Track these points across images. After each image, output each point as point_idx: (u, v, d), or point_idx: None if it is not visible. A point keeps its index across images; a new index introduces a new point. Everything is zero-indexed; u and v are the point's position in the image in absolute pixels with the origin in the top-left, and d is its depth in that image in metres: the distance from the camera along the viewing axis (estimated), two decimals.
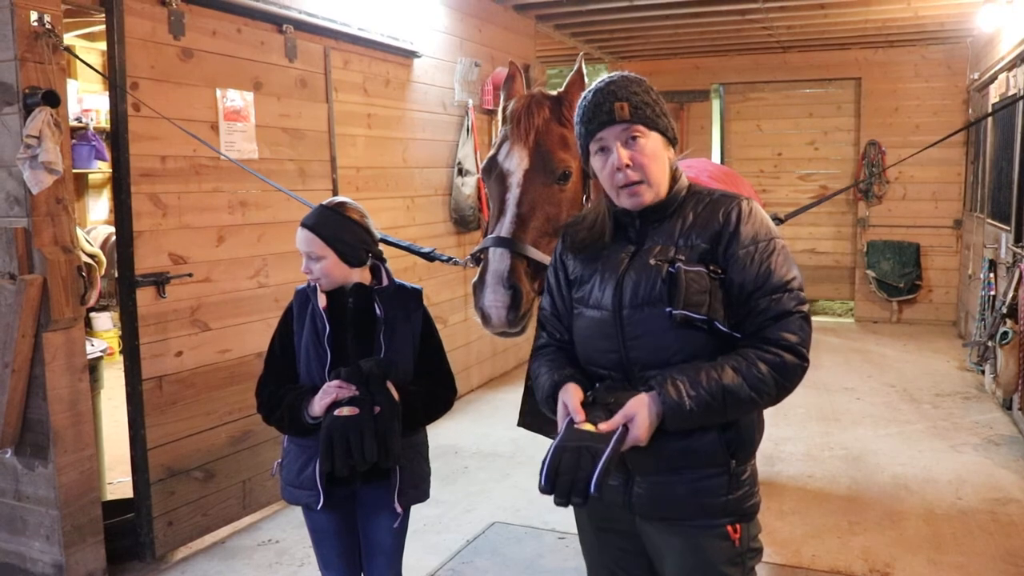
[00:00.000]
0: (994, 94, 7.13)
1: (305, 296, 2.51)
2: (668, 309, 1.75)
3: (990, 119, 7.28)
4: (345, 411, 2.26)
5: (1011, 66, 6.28)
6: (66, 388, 3.35)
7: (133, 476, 3.73)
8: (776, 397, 1.76)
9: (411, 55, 5.64)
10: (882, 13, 7.39)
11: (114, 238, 3.90)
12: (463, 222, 6.29)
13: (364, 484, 2.47)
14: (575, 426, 1.72)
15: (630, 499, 1.86)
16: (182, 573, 3.76)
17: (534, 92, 2.60)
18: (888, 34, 8.48)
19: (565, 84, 2.60)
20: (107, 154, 7.05)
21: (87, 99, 7.26)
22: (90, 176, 7.72)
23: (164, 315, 3.77)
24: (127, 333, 3.69)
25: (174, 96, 3.79)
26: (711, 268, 1.78)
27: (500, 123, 2.67)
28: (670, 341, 1.77)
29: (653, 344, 1.79)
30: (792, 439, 5.42)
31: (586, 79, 2.45)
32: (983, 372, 6.49)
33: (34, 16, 3.16)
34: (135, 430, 3.70)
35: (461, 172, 6.23)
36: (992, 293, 6.27)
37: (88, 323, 7.17)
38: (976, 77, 8.14)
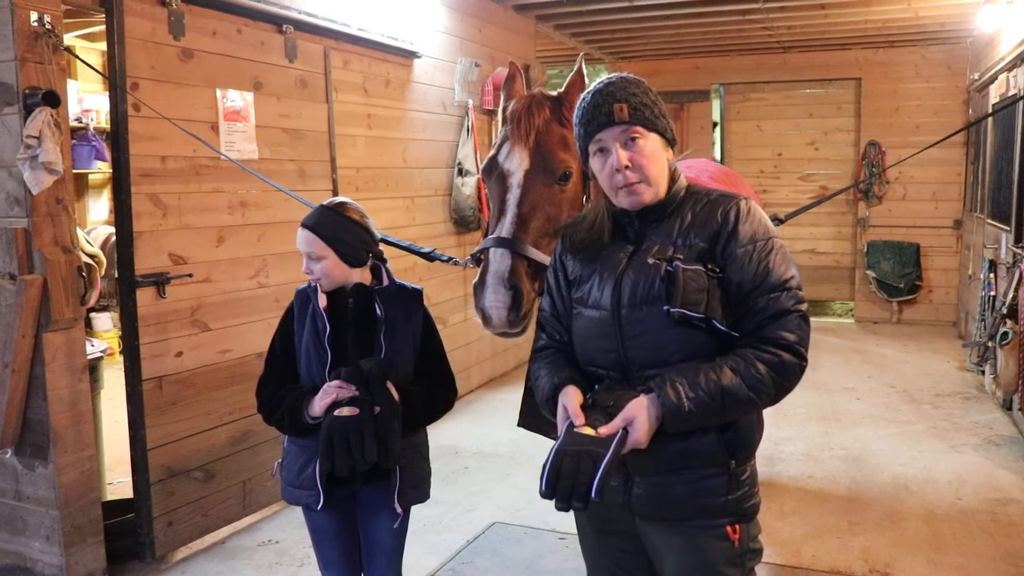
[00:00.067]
0: (994, 94, 7.13)
1: (306, 296, 2.51)
2: (666, 307, 1.75)
3: (990, 119, 7.28)
4: (345, 411, 2.26)
5: (1011, 66, 6.28)
6: (66, 388, 3.35)
7: (133, 476, 3.73)
8: (775, 397, 1.76)
9: (411, 55, 5.64)
10: (882, 13, 7.39)
11: (114, 238, 3.90)
12: (463, 222, 6.29)
13: (364, 484, 2.47)
14: (575, 430, 1.72)
15: (630, 500, 1.86)
16: (182, 573, 3.77)
17: (534, 92, 2.60)
18: (888, 34, 8.48)
19: (565, 84, 2.60)
20: (107, 154, 7.05)
21: (87, 99, 7.26)
22: (90, 176, 7.72)
23: (164, 315, 3.77)
24: (127, 333, 3.69)
25: (174, 96, 3.79)
26: (709, 267, 1.78)
27: (500, 123, 2.68)
28: (668, 340, 1.77)
29: (652, 343, 1.79)
30: (792, 439, 5.42)
31: (586, 79, 2.45)
32: (983, 372, 6.49)
33: (34, 16, 3.16)
34: (135, 430, 3.70)
35: (461, 172, 6.23)
36: (992, 293, 6.27)
37: (88, 323, 7.17)
38: (976, 77, 8.14)
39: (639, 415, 1.70)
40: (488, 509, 4.40)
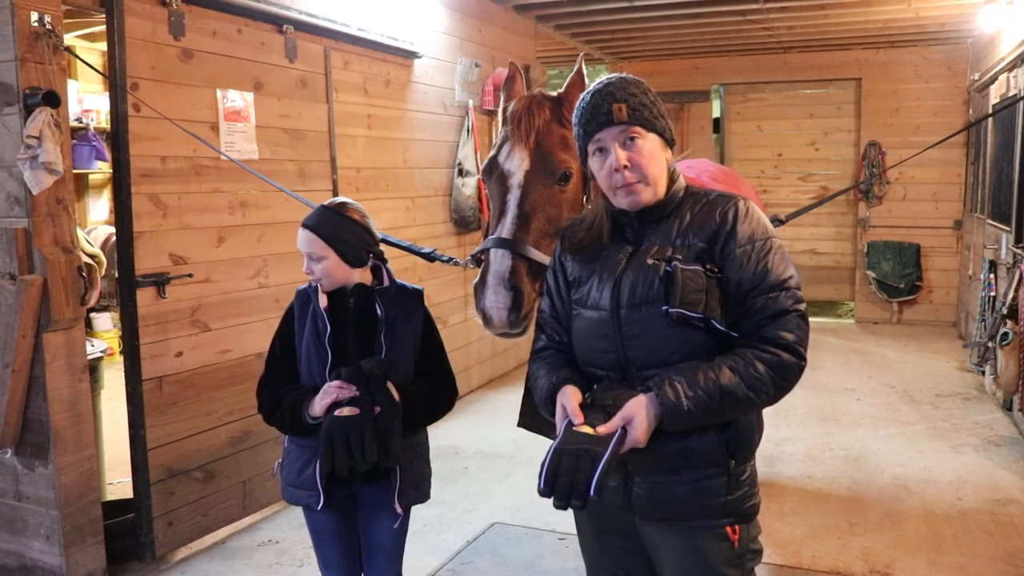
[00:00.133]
0: (994, 95, 7.13)
1: (306, 296, 2.51)
2: (665, 308, 1.75)
3: (990, 119, 7.28)
4: (345, 411, 2.26)
5: (1011, 67, 6.28)
6: (66, 388, 3.35)
7: (133, 476, 3.73)
8: (774, 397, 1.76)
9: (411, 55, 5.64)
10: (883, 14, 7.40)
11: (114, 238, 3.90)
12: (463, 223, 6.29)
13: (364, 484, 2.47)
14: (573, 428, 1.72)
15: (629, 500, 1.86)
16: (182, 573, 3.77)
17: (534, 93, 2.60)
18: (889, 35, 8.48)
19: (565, 85, 2.60)
20: (107, 154, 7.05)
21: (87, 99, 7.27)
22: (90, 176, 7.73)
23: (164, 315, 3.77)
24: (127, 333, 3.69)
25: (174, 96, 3.79)
26: (708, 267, 1.79)
27: (500, 124, 2.68)
28: (667, 340, 1.77)
29: (651, 343, 1.79)
30: (792, 440, 5.42)
31: (586, 80, 2.45)
32: (983, 373, 6.49)
33: (34, 16, 3.16)
34: (135, 430, 3.70)
35: (461, 173, 6.23)
36: (992, 294, 6.27)
37: (88, 323, 7.18)
38: (976, 78, 8.14)
39: (638, 414, 1.70)
40: (488, 509, 4.40)
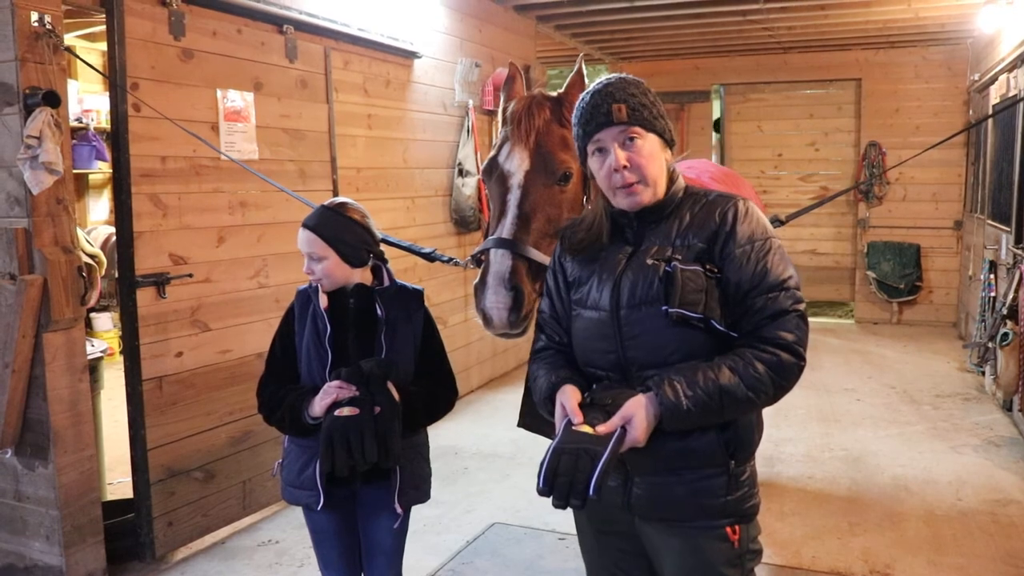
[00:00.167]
0: (995, 95, 7.13)
1: (306, 296, 2.51)
2: (664, 308, 1.75)
3: (990, 120, 7.28)
4: (345, 411, 2.26)
5: (1011, 67, 6.28)
6: (66, 388, 3.35)
7: (133, 476, 3.73)
8: (774, 397, 1.76)
9: (411, 56, 5.64)
10: (883, 14, 7.40)
11: (114, 238, 3.90)
12: (463, 223, 6.29)
13: (364, 484, 2.47)
14: (573, 428, 1.72)
15: (629, 500, 1.86)
16: (182, 573, 3.77)
17: (534, 93, 2.60)
18: (889, 35, 8.48)
19: (565, 85, 2.60)
20: (107, 154, 7.06)
21: (88, 99, 7.27)
22: (90, 176, 7.73)
23: (164, 315, 3.77)
24: (127, 333, 3.69)
25: (174, 96, 3.79)
26: (707, 267, 1.79)
27: (500, 124, 2.68)
28: (667, 340, 1.78)
29: (650, 344, 1.79)
30: (792, 440, 5.42)
31: (586, 80, 2.45)
32: (983, 373, 6.49)
33: (34, 16, 3.16)
34: (135, 430, 3.70)
35: (462, 173, 6.23)
36: (992, 294, 6.27)
37: (88, 323, 7.18)
38: (976, 78, 8.14)
39: (637, 413, 1.70)
40: (488, 509, 4.40)
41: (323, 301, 2.46)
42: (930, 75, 9.11)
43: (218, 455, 4.05)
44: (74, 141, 6.73)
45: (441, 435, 5.43)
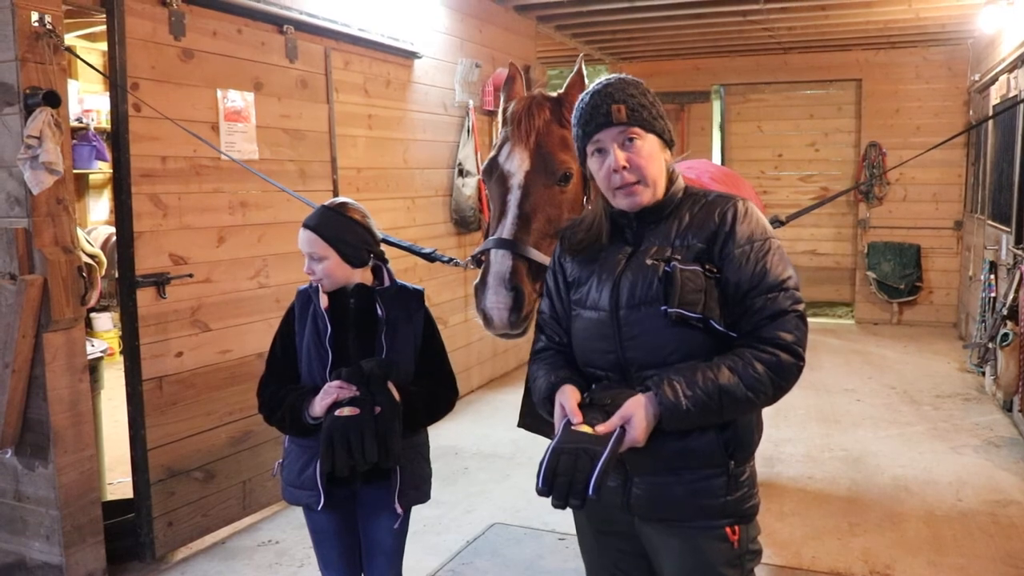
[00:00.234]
0: (995, 96, 7.13)
1: (307, 296, 2.51)
2: (663, 308, 1.75)
3: (991, 120, 7.28)
4: (346, 411, 2.26)
5: (1012, 68, 6.27)
6: (66, 388, 3.35)
7: (133, 476, 3.73)
8: (773, 397, 1.76)
9: (412, 56, 5.65)
10: (883, 14, 7.40)
11: (114, 238, 3.90)
12: (464, 223, 6.29)
13: (365, 484, 2.47)
14: (572, 428, 1.72)
15: (628, 500, 1.86)
16: (182, 573, 3.77)
17: (534, 93, 2.60)
18: (889, 35, 8.48)
19: (565, 85, 2.60)
20: (108, 154, 7.06)
21: (88, 99, 7.27)
22: (91, 176, 7.73)
23: (164, 315, 3.77)
24: (127, 333, 3.69)
25: (175, 96, 3.79)
26: (707, 267, 1.79)
27: (500, 124, 2.68)
28: (666, 340, 1.78)
29: (650, 344, 1.79)
30: (792, 440, 5.42)
31: (586, 80, 2.45)
32: (983, 374, 6.49)
33: (35, 16, 3.16)
34: (135, 430, 3.70)
35: (462, 173, 6.23)
36: (992, 295, 6.27)
37: (88, 323, 7.18)
38: (977, 79, 8.15)
39: (637, 413, 1.70)
40: (488, 510, 4.40)
41: (324, 301, 2.46)
42: (930, 75, 9.11)
43: (218, 455, 4.05)
44: (74, 141, 6.73)
45: (441, 435, 5.43)
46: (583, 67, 2.63)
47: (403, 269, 5.06)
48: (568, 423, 1.74)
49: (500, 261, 2.37)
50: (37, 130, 3.09)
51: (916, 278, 9.22)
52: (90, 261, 4.26)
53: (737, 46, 9.17)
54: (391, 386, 2.34)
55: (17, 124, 3.17)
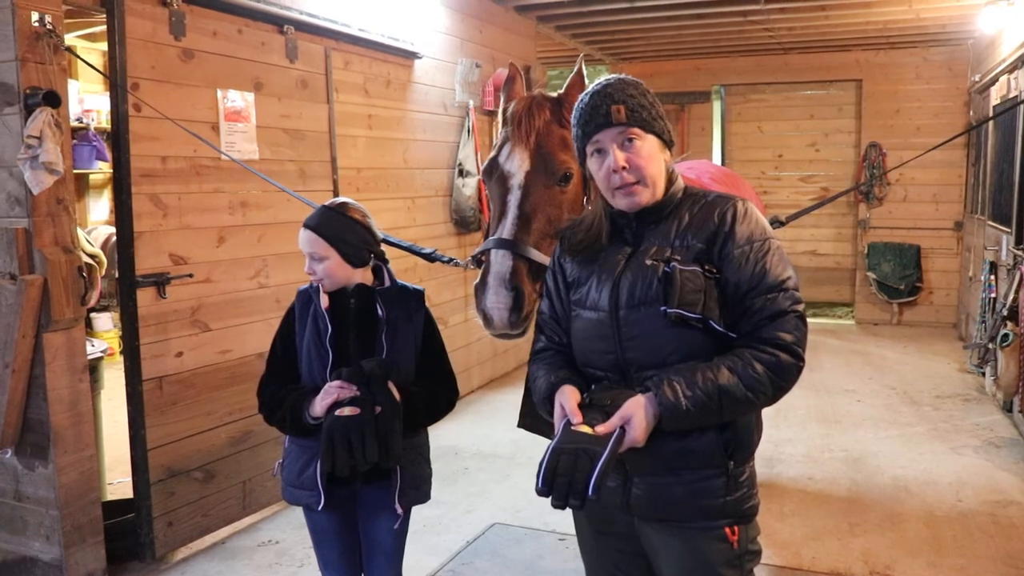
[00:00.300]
0: (995, 96, 7.13)
1: (307, 296, 2.51)
2: (663, 308, 1.75)
3: (991, 121, 7.28)
4: (346, 411, 2.26)
5: (1012, 68, 6.28)
6: (66, 388, 3.35)
7: (133, 476, 3.73)
8: (773, 397, 1.77)
9: (412, 56, 5.65)
10: (883, 15, 7.40)
11: (115, 238, 3.90)
12: (464, 223, 6.29)
13: (365, 485, 2.47)
14: (572, 428, 1.72)
15: (628, 500, 1.86)
16: (182, 573, 3.77)
17: (534, 94, 2.60)
18: (889, 36, 8.48)
19: (565, 86, 2.60)
20: (108, 154, 7.06)
21: (88, 99, 7.27)
22: (91, 176, 7.73)
23: (164, 315, 3.77)
24: (127, 333, 3.69)
25: (175, 97, 3.79)
26: (706, 268, 1.79)
27: (501, 125, 2.68)
28: (666, 341, 1.78)
29: (649, 344, 1.79)
30: (792, 441, 5.42)
31: (586, 80, 2.45)
32: (984, 374, 6.48)
33: (35, 16, 3.16)
34: (135, 430, 3.70)
35: (462, 173, 6.23)
36: (993, 295, 6.27)
37: (88, 323, 7.18)
38: (977, 79, 8.15)
39: (636, 414, 1.71)
40: (488, 510, 4.40)
41: (324, 301, 2.46)
42: (931, 76, 9.11)
43: (218, 455, 4.05)
44: (74, 141, 6.73)
45: (441, 435, 5.43)
46: (583, 67, 2.63)
47: (403, 269, 5.06)
48: (568, 423, 1.74)
49: (500, 261, 2.37)
50: (37, 130, 3.09)
51: (916, 279, 9.22)
52: (90, 261, 4.27)
53: (737, 46, 9.17)
54: (391, 386, 2.34)
55: (17, 124, 3.17)
